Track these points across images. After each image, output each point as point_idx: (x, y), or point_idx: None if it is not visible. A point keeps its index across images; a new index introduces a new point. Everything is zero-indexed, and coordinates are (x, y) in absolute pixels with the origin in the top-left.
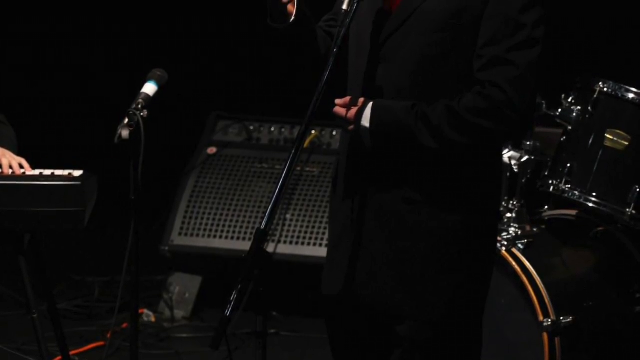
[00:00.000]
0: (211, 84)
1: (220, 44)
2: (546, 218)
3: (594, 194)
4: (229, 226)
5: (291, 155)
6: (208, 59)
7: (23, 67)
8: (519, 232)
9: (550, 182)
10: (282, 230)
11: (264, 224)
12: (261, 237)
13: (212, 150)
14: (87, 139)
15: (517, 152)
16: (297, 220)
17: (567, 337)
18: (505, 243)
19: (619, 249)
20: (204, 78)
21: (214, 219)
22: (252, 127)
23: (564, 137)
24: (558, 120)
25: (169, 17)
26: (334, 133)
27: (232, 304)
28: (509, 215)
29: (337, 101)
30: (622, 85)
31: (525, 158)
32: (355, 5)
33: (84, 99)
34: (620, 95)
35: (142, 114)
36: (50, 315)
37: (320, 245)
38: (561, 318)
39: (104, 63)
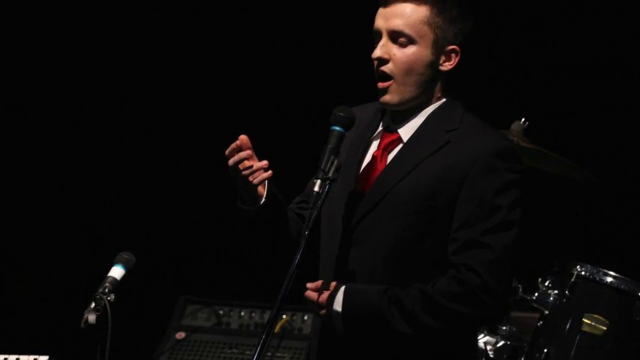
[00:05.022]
0: (179, 267)
1: (186, 229)
2: None
3: None
4: None
5: (261, 341)
6: (176, 242)
7: None
8: None
9: None
10: None
11: None
12: None
13: (180, 335)
14: (53, 323)
15: (492, 337)
16: None
17: None
18: None
19: None
20: (172, 261)
21: None
22: (221, 312)
23: (541, 322)
24: (535, 305)
25: (137, 200)
26: (306, 318)
27: None
28: None
29: (309, 285)
30: (600, 269)
31: (501, 343)
32: (327, 187)
33: (50, 282)
34: (598, 279)
35: (109, 298)
36: None
37: None
38: None
39: (70, 247)
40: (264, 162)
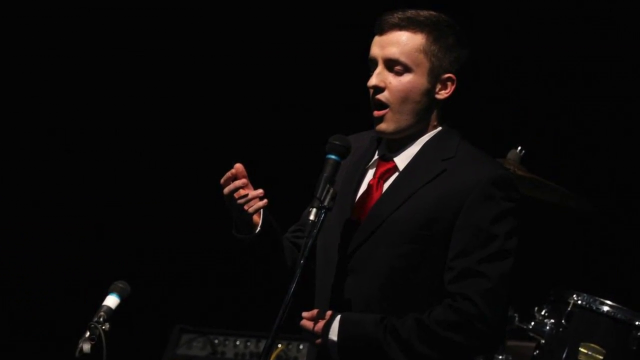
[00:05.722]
0: (174, 296)
1: (182, 258)
2: None
3: None
4: None
5: None
6: (171, 271)
7: None
8: None
9: None
10: None
11: None
12: None
13: None
14: (48, 352)
15: None
16: None
17: None
18: None
19: None
20: (167, 291)
21: None
22: (216, 341)
23: (537, 351)
24: (531, 334)
25: (133, 229)
26: (301, 347)
27: None
28: None
29: (304, 314)
30: (597, 298)
31: None
32: (323, 216)
33: (44, 311)
34: (594, 308)
35: (103, 327)
36: None
37: None
38: None
39: (64, 276)
40: (259, 191)
